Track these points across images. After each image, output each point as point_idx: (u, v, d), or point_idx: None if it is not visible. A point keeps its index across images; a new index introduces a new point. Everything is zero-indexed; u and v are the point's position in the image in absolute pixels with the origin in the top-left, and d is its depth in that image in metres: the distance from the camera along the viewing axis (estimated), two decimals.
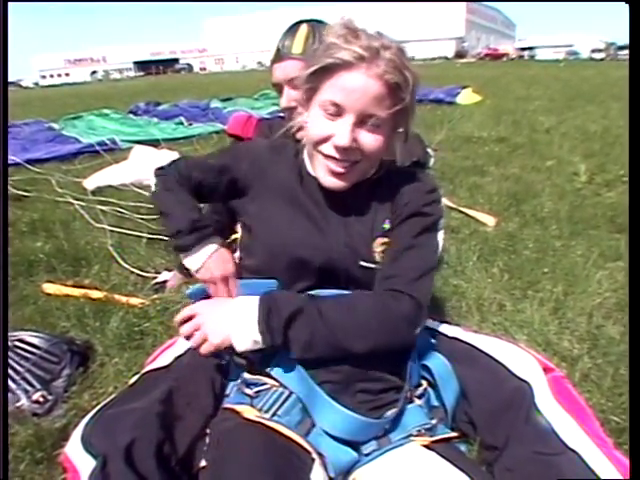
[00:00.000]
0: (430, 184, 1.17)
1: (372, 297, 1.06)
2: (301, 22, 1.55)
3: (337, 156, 1.04)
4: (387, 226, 1.13)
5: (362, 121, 1.02)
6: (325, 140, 1.05)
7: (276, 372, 1.07)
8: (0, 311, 1.22)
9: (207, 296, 1.16)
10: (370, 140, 1.04)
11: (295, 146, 1.22)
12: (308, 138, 1.12)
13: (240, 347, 1.02)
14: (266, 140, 1.26)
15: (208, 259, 1.13)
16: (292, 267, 1.11)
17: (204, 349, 1.04)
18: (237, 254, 1.25)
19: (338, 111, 1.02)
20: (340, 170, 1.06)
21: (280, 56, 1.53)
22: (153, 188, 1.21)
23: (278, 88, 1.56)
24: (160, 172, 1.21)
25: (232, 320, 1.03)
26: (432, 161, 1.69)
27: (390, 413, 1.05)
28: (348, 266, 1.11)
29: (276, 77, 1.54)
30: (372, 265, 1.10)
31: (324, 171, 1.09)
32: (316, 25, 1.52)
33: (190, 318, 1.08)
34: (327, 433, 1.02)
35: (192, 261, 1.14)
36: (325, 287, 1.11)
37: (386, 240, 1.12)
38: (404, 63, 1.02)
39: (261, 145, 1.29)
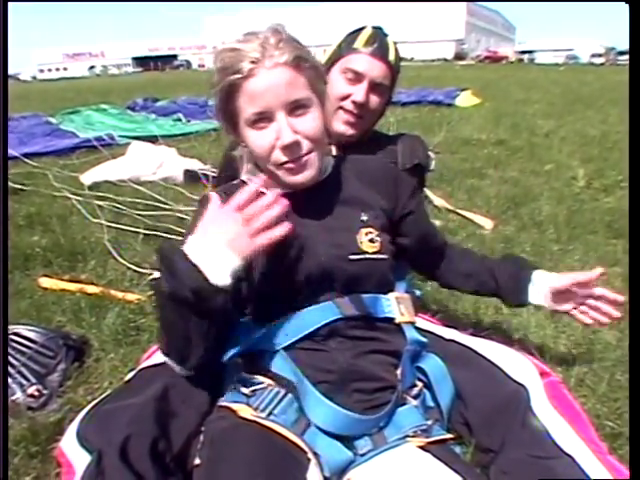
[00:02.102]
0: (396, 168, 1.42)
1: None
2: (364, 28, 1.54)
3: (289, 157, 1.04)
4: (365, 218, 1.14)
5: (291, 111, 1.03)
6: (273, 149, 1.04)
7: (267, 363, 1.08)
8: (0, 308, 1.21)
9: None
10: (308, 123, 1.04)
11: (237, 183, 1.22)
12: (257, 158, 1.11)
13: None
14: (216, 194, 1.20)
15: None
16: (295, 294, 1.10)
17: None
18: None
19: (266, 116, 1.02)
20: (299, 165, 1.06)
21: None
22: None
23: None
24: None
25: None
26: (433, 164, 1.69)
27: (382, 410, 1.05)
28: (339, 264, 1.10)
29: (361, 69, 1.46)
30: (361, 256, 1.10)
31: (287, 174, 1.08)
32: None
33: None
34: (320, 429, 1.01)
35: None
36: (324, 290, 1.10)
37: (370, 230, 1.13)
38: (288, 36, 1.04)
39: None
